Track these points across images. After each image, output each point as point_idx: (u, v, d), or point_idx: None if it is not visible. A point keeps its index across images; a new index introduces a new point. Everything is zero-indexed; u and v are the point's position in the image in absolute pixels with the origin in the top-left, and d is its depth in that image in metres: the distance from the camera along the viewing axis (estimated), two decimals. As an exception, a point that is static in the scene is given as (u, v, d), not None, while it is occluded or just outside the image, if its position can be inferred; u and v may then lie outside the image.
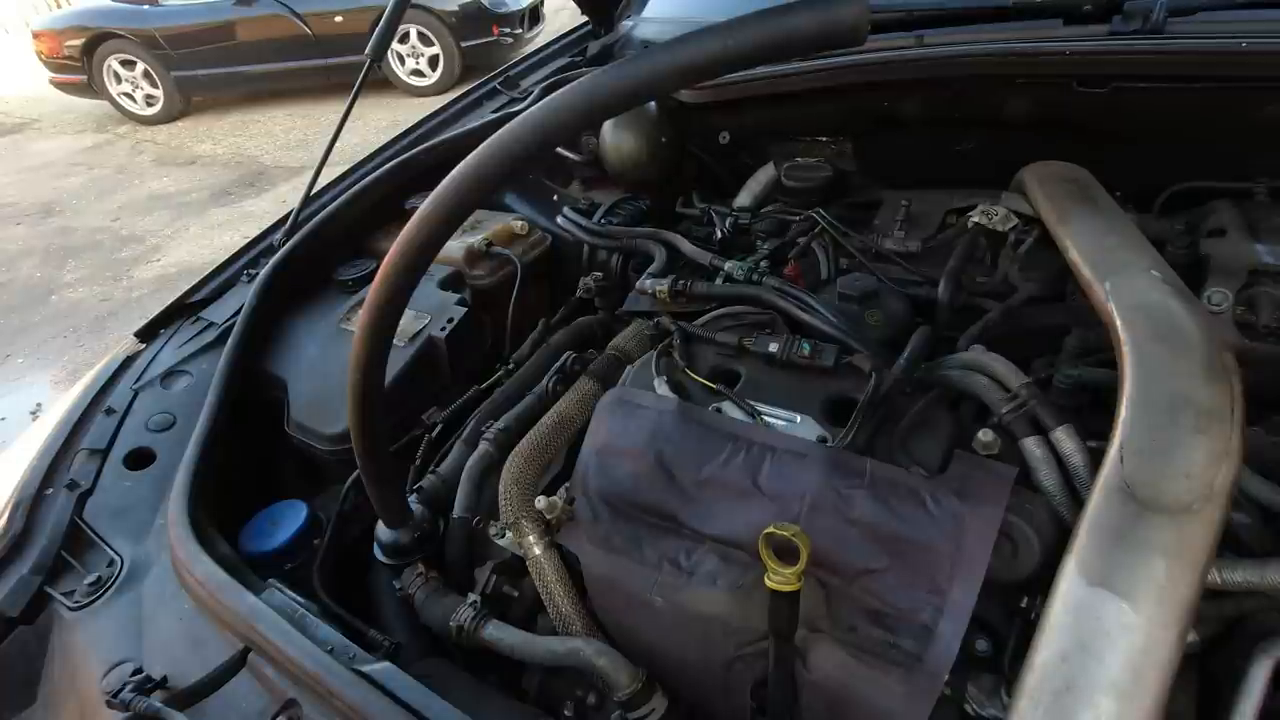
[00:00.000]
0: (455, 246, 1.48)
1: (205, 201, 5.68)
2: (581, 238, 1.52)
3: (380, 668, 0.83)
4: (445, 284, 1.44)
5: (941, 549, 0.81)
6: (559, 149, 1.71)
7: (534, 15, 7.65)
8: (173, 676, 0.86)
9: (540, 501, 0.95)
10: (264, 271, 1.41)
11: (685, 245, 1.35)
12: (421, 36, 7.10)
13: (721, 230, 1.43)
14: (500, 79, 1.99)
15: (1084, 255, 0.99)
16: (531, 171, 1.73)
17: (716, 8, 1.03)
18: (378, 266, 0.84)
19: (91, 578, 1.00)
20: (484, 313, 1.46)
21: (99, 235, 5.30)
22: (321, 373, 1.30)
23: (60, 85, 7.62)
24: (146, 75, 7.37)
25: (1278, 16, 1.16)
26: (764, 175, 1.60)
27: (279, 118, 7.39)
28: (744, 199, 1.59)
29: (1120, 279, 0.91)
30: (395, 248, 0.72)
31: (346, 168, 1.76)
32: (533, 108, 0.66)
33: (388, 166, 1.61)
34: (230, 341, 1.30)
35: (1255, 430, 0.86)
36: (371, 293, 0.75)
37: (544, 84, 1.86)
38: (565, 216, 1.58)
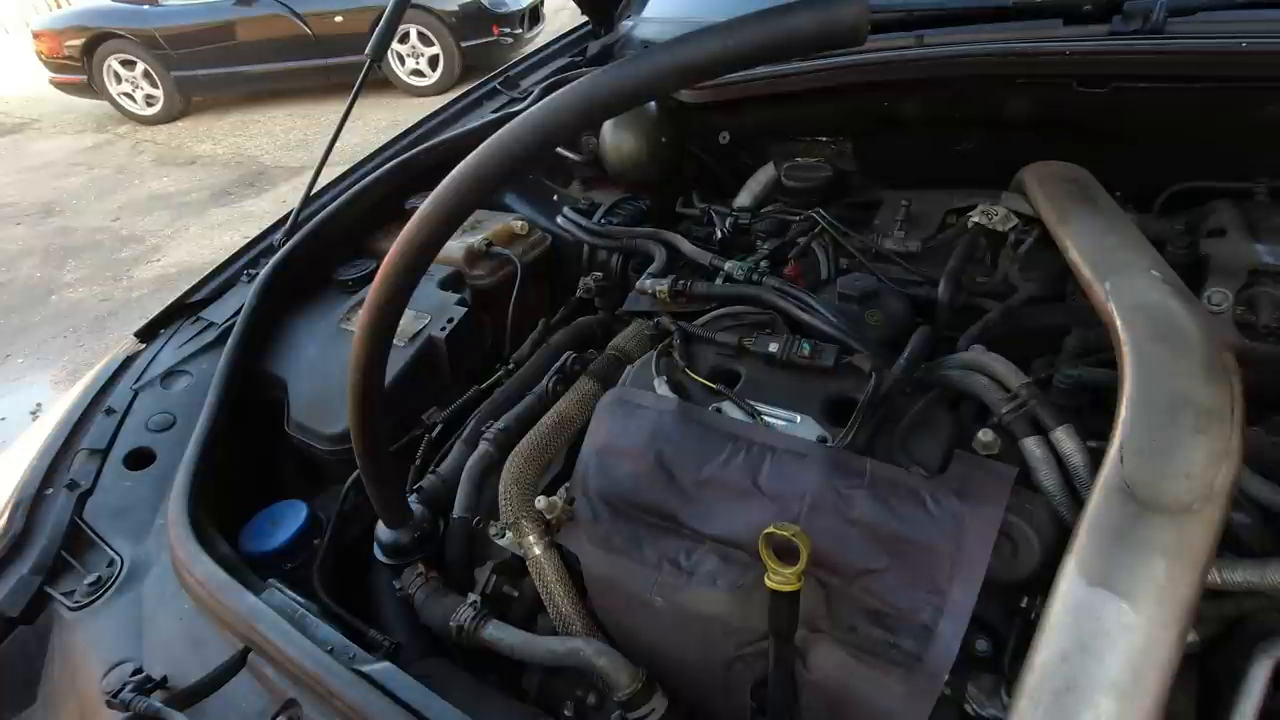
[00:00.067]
0: (455, 246, 1.48)
1: (205, 201, 5.68)
2: (581, 238, 1.52)
3: (380, 668, 0.83)
4: (445, 284, 1.44)
5: (941, 549, 0.81)
6: (559, 149, 1.71)
7: (534, 15, 7.65)
8: (173, 676, 0.86)
9: (540, 501, 0.95)
10: (264, 271, 1.41)
11: (685, 245, 1.35)
12: (421, 36, 7.10)
13: (721, 230, 1.43)
14: (500, 79, 1.99)
15: (1084, 255, 0.99)
16: (531, 171, 1.73)
17: (716, 8, 1.03)
18: (378, 266, 0.84)
19: (91, 578, 1.00)
20: (484, 313, 1.46)
21: (99, 235, 5.30)
22: (321, 373, 1.30)
23: (60, 85, 7.62)
24: (146, 75, 7.37)
25: (1278, 16, 1.16)
26: (764, 175, 1.60)
27: (279, 118, 7.39)
28: (744, 199, 1.59)
29: (1120, 279, 0.91)
30: (395, 248, 0.72)
31: (346, 168, 1.76)
32: (533, 108, 0.66)
33: (388, 166, 1.61)
34: (230, 341, 1.30)
35: (1255, 430, 0.86)
36: (371, 293, 0.75)
37: (544, 84, 1.86)
38: (565, 216, 1.58)
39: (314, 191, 1.62)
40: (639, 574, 0.91)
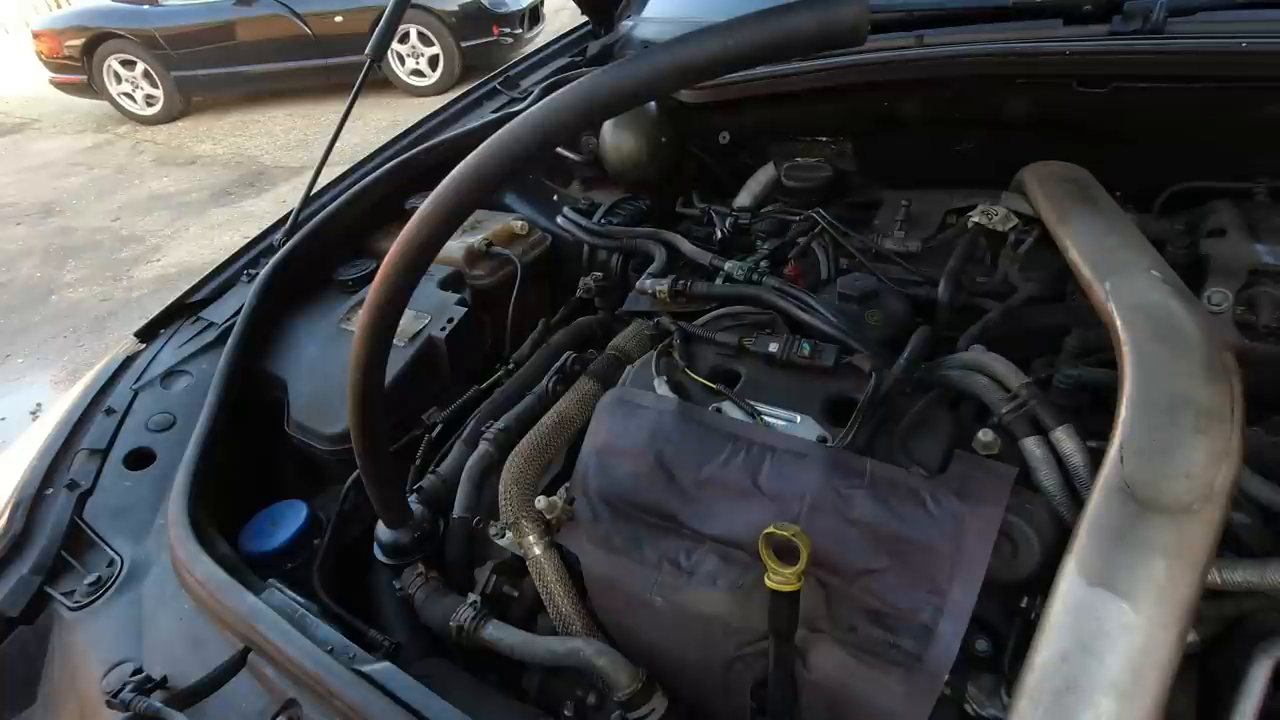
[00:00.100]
0: (455, 246, 1.48)
1: (205, 201, 5.68)
2: (581, 238, 1.52)
3: (380, 668, 0.83)
4: (445, 284, 1.44)
5: (941, 549, 0.81)
6: (559, 149, 1.71)
7: (534, 15, 7.65)
8: (173, 676, 0.86)
9: (540, 501, 0.95)
10: (264, 271, 1.41)
11: (685, 245, 1.35)
12: (421, 36, 7.10)
13: (721, 230, 1.43)
14: (500, 79, 1.99)
15: (1084, 255, 0.99)
16: (531, 171, 1.73)
17: (716, 8, 1.03)
18: (378, 266, 0.84)
19: (91, 578, 1.00)
20: (484, 313, 1.46)
21: (99, 235, 5.30)
22: (321, 373, 1.30)
23: (60, 85, 7.62)
24: (146, 75, 7.37)
25: (1278, 16, 1.16)
26: (764, 175, 1.60)
27: (279, 118, 7.39)
28: (744, 199, 1.59)
29: (1120, 279, 0.91)
30: (395, 248, 0.72)
31: (346, 168, 1.76)
32: (533, 108, 0.66)
33: (388, 166, 1.61)
34: (230, 341, 1.30)
35: (1255, 430, 0.86)
36: (371, 293, 0.75)
37: (544, 84, 1.86)
38: (565, 216, 1.58)
39: (314, 191, 1.62)
40: (639, 574, 0.91)
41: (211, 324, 1.42)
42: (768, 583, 0.72)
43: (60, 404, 1.29)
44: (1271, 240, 1.04)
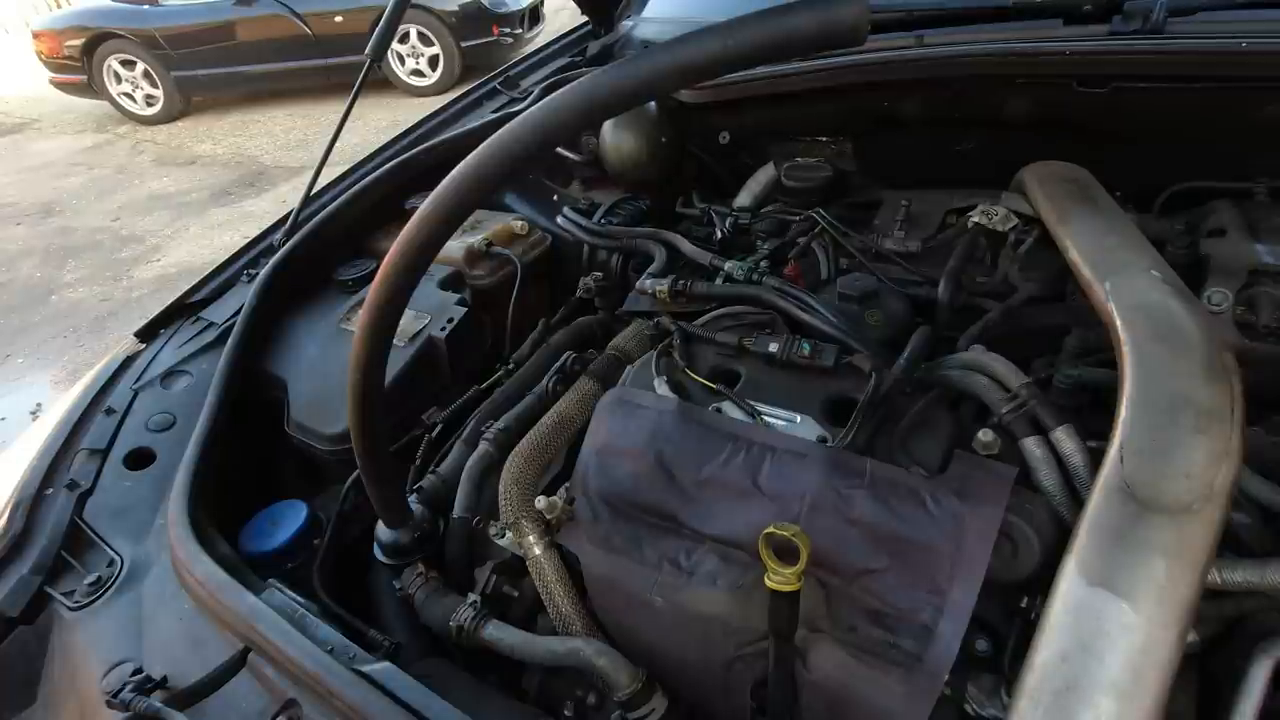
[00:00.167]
0: (455, 246, 1.48)
1: (205, 201, 5.68)
2: (581, 238, 1.52)
3: (380, 668, 0.83)
4: (445, 284, 1.44)
5: (941, 549, 0.81)
6: (559, 149, 1.71)
7: (534, 15, 7.65)
8: (173, 676, 0.86)
9: (540, 501, 0.95)
10: (264, 271, 1.41)
11: (685, 245, 1.35)
12: (421, 36, 7.10)
13: (721, 230, 1.43)
14: (500, 79, 1.99)
15: (1084, 255, 0.99)
16: (531, 171, 1.73)
17: (716, 8, 1.03)
18: (378, 266, 0.84)
19: (91, 578, 1.00)
20: (484, 313, 1.46)
21: (99, 235, 5.30)
22: (321, 373, 1.30)
23: (60, 85, 7.62)
24: (146, 75, 7.37)
25: (1278, 16, 1.16)
26: (764, 175, 1.60)
27: (279, 118, 7.39)
28: (744, 199, 1.59)
29: (1120, 279, 0.91)
30: (395, 248, 0.72)
31: (346, 168, 1.76)
32: (533, 108, 0.66)
33: (388, 166, 1.61)
34: (230, 341, 1.30)
35: (1255, 430, 0.86)
36: (371, 293, 0.75)
37: (544, 84, 1.86)
38: (565, 216, 1.58)
39: (314, 191, 1.62)
40: (639, 574, 0.91)
41: (211, 324, 1.42)
42: (768, 583, 0.72)
43: (60, 404, 1.29)
44: (1271, 240, 1.04)
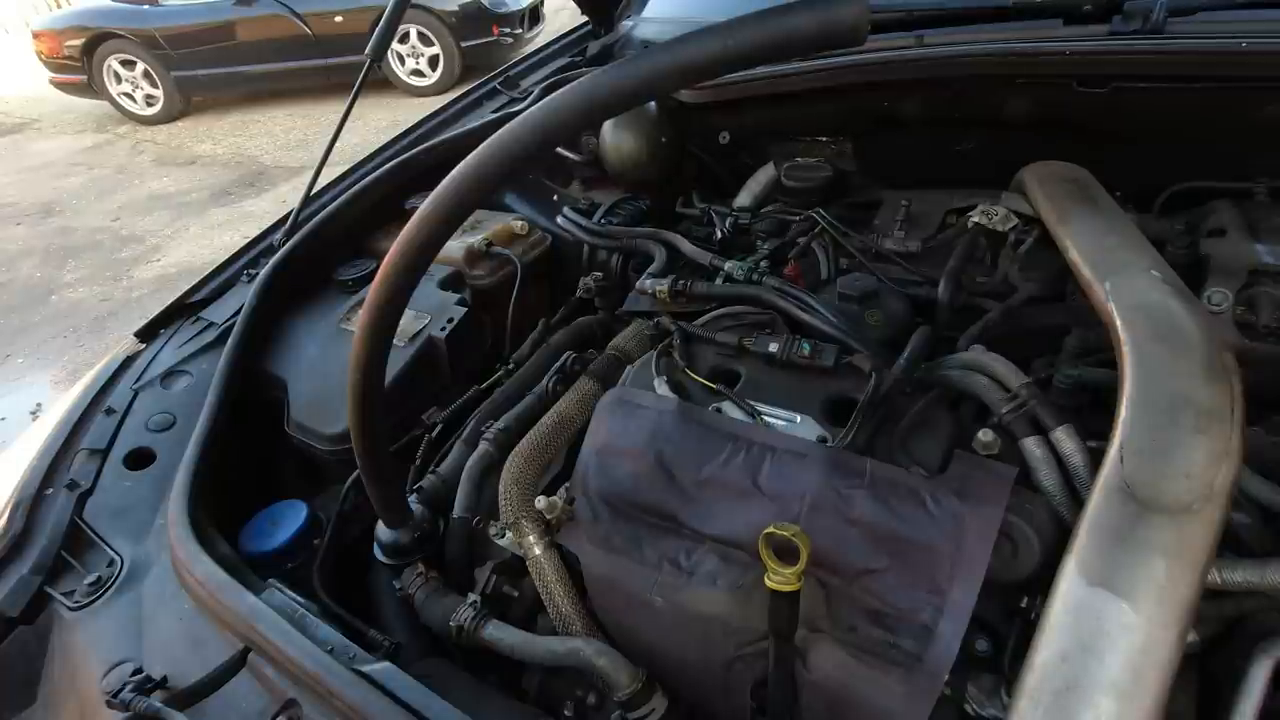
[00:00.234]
0: (455, 246, 1.48)
1: (205, 201, 5.68)
2: (581, 238, 1.52)
3: (380, 668, 0.83)
4: (445, 284, 1.44)
5: (941, 549, 0.81)
6: (559, 149, 1.71)
7: (534, 15, 7.65)
8: (173, 676, 0.86)
9: (540, 501, 0.95)
10: (264, 271, 1.41)
11: (685, 245, 1.35)
12: (421, 36, 7.10)
13: (721, 230, 1.43)
14: (500, 79, 1.99)
15: (1084, 255, 0.99)
16: (531, 171, 1.73)
17: (716, 8, 1.03)
18: (378, 266, 0.84)
19: (91, 578, 1.00)
20: (484, 313, 1.46)
21: (99, 235, 5.30)
22: (321, 373, 1.30)
23: (60, 85, 7.62)
24: (146, 75, 7.37)
25: (1278, 16, 1.16)
26: (764, 175, 1.60)
27: (279, 118, 7.39)
28: (744, 199, 1.59)
29: (1120, 279, 0.91)
30: (395, 248, 0.72)
31: (346, 168, 1.76)
32: (533, 108, 0.66)
33: (388, 166, 1.61)
34: (230, 341, 1.30)
35: (1255, 430, 0.86)
36: (371, 293, 0.75)
37: (544, 84, 1.86)
38: (565, 216, 1.58)
39: (314, 191, 1.62)
40: (639, 574, 0.91)
41: (211, 324, 1.42)
42: (768, 583, 0.72)
43: (60, 404, 1.29)
44: (1271, 240, 1.04)
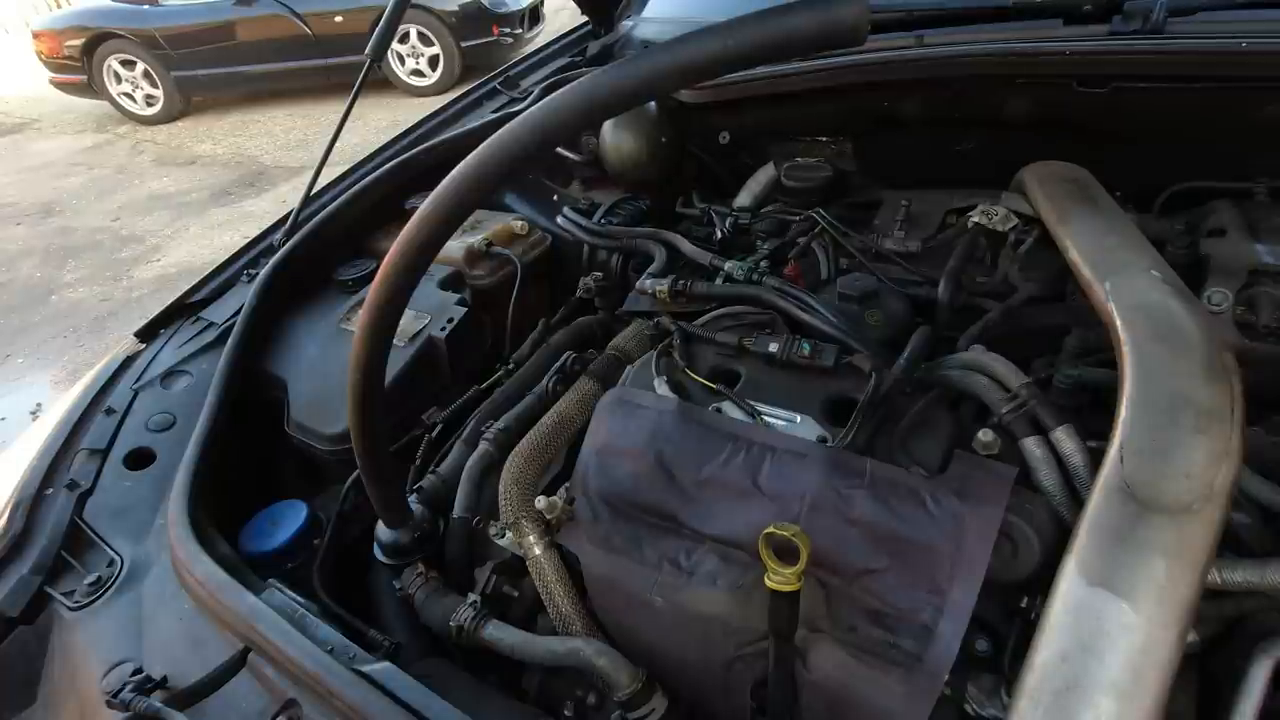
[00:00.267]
0: (455, 246, 1.48)
1: (205, 201, 5.68)
2: (581, 238, 1.52)
3: (380, 668, 0.83)
4: (445, 284, 1.44)
5: (941, 549, 0.81)
6: (559, 149, 1.71)
7: (534, 15, 7.65)
8: (173, 676, 0.86)
9: (540, 501, 0.95)
10: (264, 271, 1.41)
11: (685, 245, 1.35)
12: (421, 36, 7.10)
13: (721, 230, 1.43)
14: (500, 79, 1.99)
15: (1084, 255, 0.99)
16: (531, 171, 1.73)
17: (716, 8, 1.03)
18: (378, 266, 0.84)
19: (91, 578, 1.00)
20: (484, 313, 1.46)
21: (99, 235, 5.30)
22: (321, 373, 1.30)
23: (60, 85, 7.62)
24: (146, 75, 7.37)
25: (1278, 16, 1.16)
26: (764, 175, 1.60)
27: (279, 118, 7.39)
28: (744, 199, 1.59)
29: (1120, 279, 0.91)
30: (395, 248, 0.72)
31: (346, 168, 1.76)
32: (533, 108, 0.66)
33: (388, 166, 1.61)
34: (230, 341, 1.30)
35: (1255, 430, 0.86)
36: (371, 293, 0.75)
37: (544, 84, 1.86)
38: (565, 216, 1.58)
39: (314, 191, 1.62)
40: (639, 574, 0.91)
41: (211, 324, 1.42)
42: (768, 583, 0.72)
43: (60, 404, 1.29)
44: (1271, 240, 1.04)
